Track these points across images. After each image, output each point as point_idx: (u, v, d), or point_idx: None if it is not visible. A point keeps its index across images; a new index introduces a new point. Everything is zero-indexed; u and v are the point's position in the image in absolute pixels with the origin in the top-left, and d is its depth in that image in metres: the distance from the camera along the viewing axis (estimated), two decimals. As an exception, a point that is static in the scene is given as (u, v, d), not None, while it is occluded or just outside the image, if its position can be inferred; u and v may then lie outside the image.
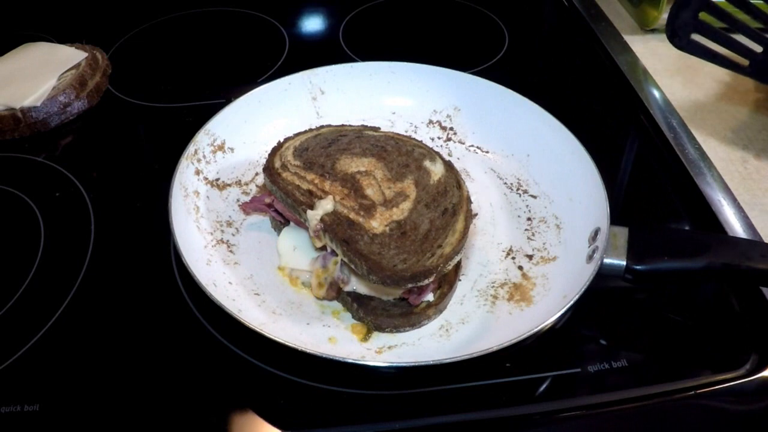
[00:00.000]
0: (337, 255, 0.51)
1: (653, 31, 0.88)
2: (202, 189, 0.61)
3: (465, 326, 0.52)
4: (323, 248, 0.52)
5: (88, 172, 0.67)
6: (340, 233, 0.50)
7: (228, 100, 0.66)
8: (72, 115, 0.74)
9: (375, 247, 0.49)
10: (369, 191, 0.53)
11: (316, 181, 0.54)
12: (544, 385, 0.49)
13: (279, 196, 0.55)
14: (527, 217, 0.60)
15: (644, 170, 0.69)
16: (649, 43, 0.86)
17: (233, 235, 0.59)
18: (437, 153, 0.58)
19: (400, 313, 0.51)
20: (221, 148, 0.65)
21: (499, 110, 0.67)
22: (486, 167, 0.65)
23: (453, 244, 0.49)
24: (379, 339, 0.51)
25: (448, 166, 0.56)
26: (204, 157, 0.63)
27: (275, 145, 0.59)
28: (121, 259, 0.58)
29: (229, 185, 0.63)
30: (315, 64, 0.70)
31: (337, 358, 0.45)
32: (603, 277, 0.50)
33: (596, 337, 0.52)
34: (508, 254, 0.57)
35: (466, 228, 0.51)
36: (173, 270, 0.56)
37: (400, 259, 0.48)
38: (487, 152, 0.67)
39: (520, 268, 0.56)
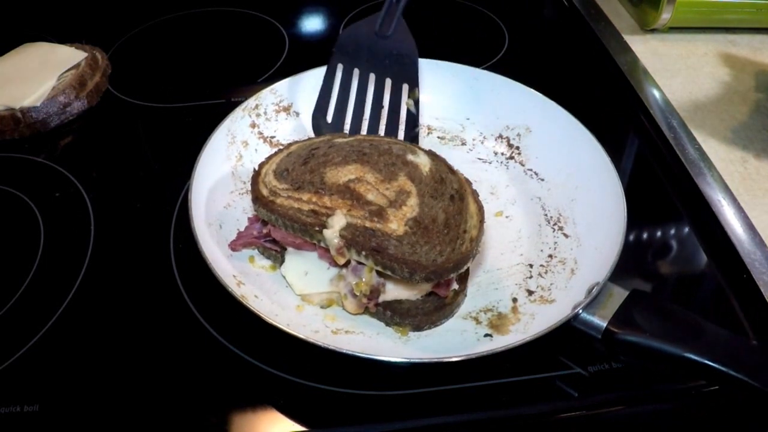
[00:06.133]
0: (364, 265, 0.49)
1: (653, 31, 0.88)
2: (252, 141, 0.64)
3: (427, 337, 0.51)
4: (346, 264, 0.50)
5: (88, 172, 0.67)
6: (366, 244, 0.48)
7: (228, 101, 0.66)
8: (72, 115, 0.74)
9: (406, 248, 0.48)
10: (370, 196, 0.52)
11: (314, 200, 0.52)
12: (544, 386, 0.49)
13: (281, 224, 0.52)
14: (549, 254, 0.57)
15: (644, 170, 0.69)
16: (649, 43, 0.86)
17: None
18: (415, 144, 0.58)
19: (433, 308, 0.51)
20: (286, 109, 0.67)
21: (566, 141, 0.64)
22: (533, 195, 0.63)
23: (476, 225, 0.50)
24: (342, 321, 0.51)
25: (432, 155, 0.56)
26: (265, 113, 0.65)
27: (252, 174, 0.56)
28: (121, 259, 0.58)
29: (283, 145, 0.65)
30: (315, 64, 0.70)
31: (272, 322, 0.46)
32: (580, 332, 0.48)
33: (596, 338, 0.52)
34: None
35: (480, 208, 0.52)
36: (173, 270, 0.56)
37: (435, 252, 0.48)
38: (543, 180, 0.64)
39: (515, 300, 0.54)
